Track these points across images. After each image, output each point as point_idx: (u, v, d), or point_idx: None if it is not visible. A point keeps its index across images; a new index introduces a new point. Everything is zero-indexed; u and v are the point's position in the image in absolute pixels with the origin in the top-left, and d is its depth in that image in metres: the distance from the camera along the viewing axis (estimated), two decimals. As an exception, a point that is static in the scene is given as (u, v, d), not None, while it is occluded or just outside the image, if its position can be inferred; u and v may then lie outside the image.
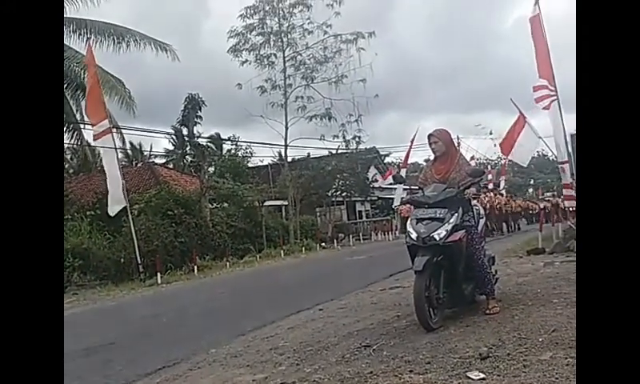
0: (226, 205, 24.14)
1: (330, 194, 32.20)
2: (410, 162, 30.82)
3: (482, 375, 3.59)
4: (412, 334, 5.06)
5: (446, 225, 5.19)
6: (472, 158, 32.42)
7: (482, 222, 5.92)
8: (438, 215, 5.25)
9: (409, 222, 5.58)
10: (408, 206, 22.78)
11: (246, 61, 26.09)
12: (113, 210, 16.44)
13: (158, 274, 15.64)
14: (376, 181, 33.97)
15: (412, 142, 27.59)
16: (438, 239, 5.14)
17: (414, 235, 5.31)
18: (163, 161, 37.33)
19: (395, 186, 25.74)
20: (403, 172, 25.39)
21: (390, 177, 27.75)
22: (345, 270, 14.99)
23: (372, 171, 34.97)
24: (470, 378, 3.58)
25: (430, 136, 5.79)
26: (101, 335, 7.93)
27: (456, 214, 5.28)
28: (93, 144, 19.30)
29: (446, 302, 5.37)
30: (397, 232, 31.51)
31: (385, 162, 39.58)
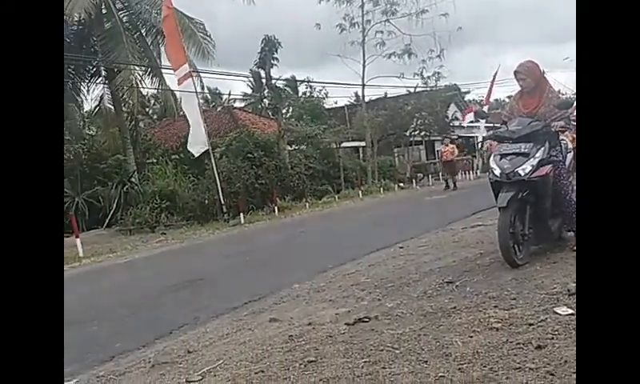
0: (303, 147, 24.31)
1: (408, 134, 31.69)
2: (492, 98, 29.73)
3: (571, 310, 3.48)
4: (496, 271, 4.97)
5: (532, 159, 4.99)
6: (559, 92, 30.84)
7: (569, 156, 5.65)
8: (522, 150, 5.05)
9: (492, 157, 5.41)
10: (451, 147, 21.14)
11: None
12: (195, 150, 16.86)
13: (241, 214, 16.11)
14: (456, 119, 33.07)
15: (494, 78, 26.61)
16: (522, 174, 4.96)
17: (497, 171, 5.15)
18: (242, 104, 37.83)
19: (477, 124, 24.98)
20: (485, 109, 24.53)
21: (471, 114, 26.98)
22: (424, 209, 14.87)
23: (452, 109, 34.03)
24: (557, 313, 3.49)
25: (516, 72, 5.47)
26: (189, 272, 8.31)
27: (542, 149, 5.05)
28: (175, 89, 19.76)
29: (532, 239, 5.21)
30: (478, 171, 30.79)
31: (465, 99, 38.34)
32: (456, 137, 36.44)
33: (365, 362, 3.18)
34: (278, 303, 5.26)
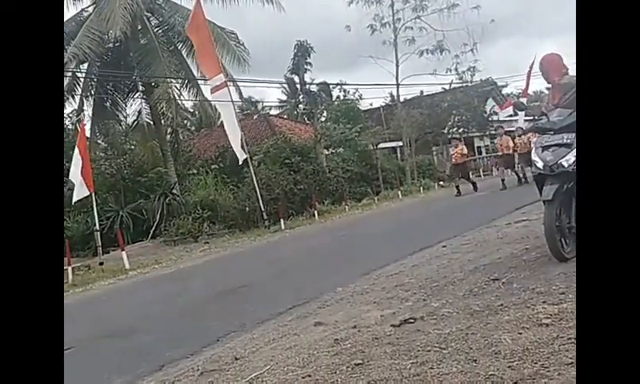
0: (340, 150, 24.35)
1: (446, 132, 31.38)
2: (531, 90, 29.12)
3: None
4: (543, 266, 4.86)
5: (575, 150, 4.87)
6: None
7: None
8: (565, 141, 4.93)
9: (534, 150, 5.29)
10: (460, 147, 19.00)
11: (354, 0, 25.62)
12: (240, 155, 17.02)
13: (281, 220, 16.21)
14: (494, 113, 32.58)
15: (530, 69, 26.03)
16: (566, 166, 4.83)
17: (540, 164, 5.04)
18: (277, 111, 38.14)
19: (516, 118, 24.45)
20: (524, 101, 24.00)
21: (509, 108, 26.52)
22: (466, 207, 14.67)
23: (490, 104, 33.52)
24: (610, 307, 3.39)
25: (539, 65, 5.53)
26: (233, 279, 8.39)
27: (585, 138, 4.92)
28: (211, 99, 20.01)
29: (579, 231, 5.08)
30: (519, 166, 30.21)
31: (503, 93, 37.72)
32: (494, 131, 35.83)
33: (412, 363, 3.14)
34: (322, 307, 5.25)
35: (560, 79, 5.44)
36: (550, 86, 5.80)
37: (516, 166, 18.50)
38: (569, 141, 4.90)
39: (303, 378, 3.29)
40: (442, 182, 26.51)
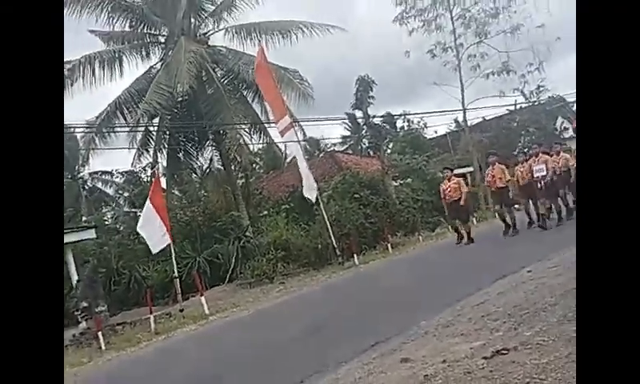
0: (409, 180, 24.08)
1: (515, 153, 30.54)
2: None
3: None
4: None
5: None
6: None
7: None
8: None
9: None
10: (455, 181, 14.41)
11: (414, 29, 25.48)
12: (311, 196, 17.19)
13: (355, 255, 16.06)
14: (566, 129, 31.49)
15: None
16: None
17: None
18: (342, 148, 38.40)
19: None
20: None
21: (582, 123, 25.58)
22: (547, 230, 14.06)
23: (560, 121, 32.47)
24: None
25: None
26: (312, 318, 8.31)
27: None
28: (278, 141, 20.32)
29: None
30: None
31: (574, 110, 36.50)
32: (568, 147, 34.57)
33: (512, 397, 2.96)
34: (406, 342, 5.10)
35: None
36: None
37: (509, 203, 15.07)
38: None
39: (396, 418, 3.16)
40: (517, 206, 25.66)
